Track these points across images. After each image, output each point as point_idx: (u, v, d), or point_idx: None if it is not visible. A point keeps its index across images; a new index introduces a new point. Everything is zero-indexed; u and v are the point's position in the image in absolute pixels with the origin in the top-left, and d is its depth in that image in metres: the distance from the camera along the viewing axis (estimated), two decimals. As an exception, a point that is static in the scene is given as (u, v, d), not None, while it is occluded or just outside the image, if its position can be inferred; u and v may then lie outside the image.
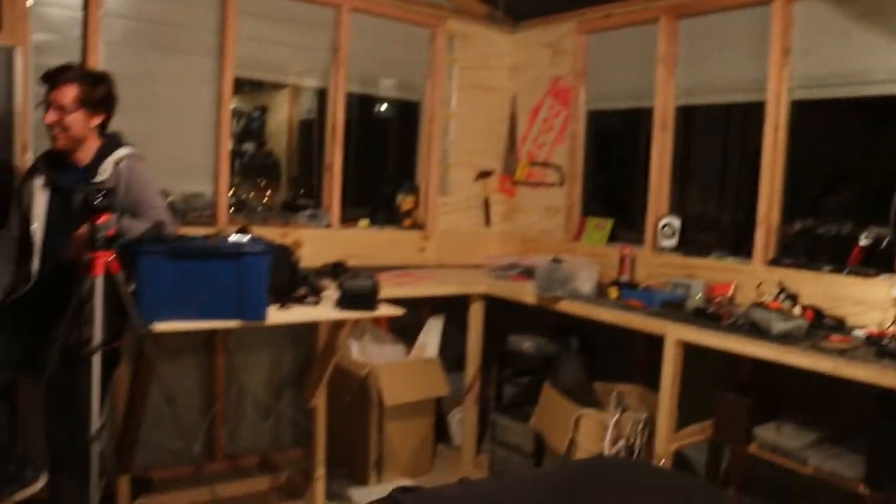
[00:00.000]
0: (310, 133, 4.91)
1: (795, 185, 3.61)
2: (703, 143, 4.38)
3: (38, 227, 2.75)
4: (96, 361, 2.35)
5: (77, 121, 2.70)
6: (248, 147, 5.31)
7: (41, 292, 2.74)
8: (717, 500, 1.19)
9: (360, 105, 4.95)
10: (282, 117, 5.52)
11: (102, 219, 2.37)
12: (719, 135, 4.34)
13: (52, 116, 2.69)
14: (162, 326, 2.56)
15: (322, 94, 4.35)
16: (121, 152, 2.79)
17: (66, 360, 2.60)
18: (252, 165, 5.17)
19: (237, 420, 4.12)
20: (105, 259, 2.36)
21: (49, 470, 2.90)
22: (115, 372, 2.89)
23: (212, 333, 3.87)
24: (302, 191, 4.91)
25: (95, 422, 2.34)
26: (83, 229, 2.49)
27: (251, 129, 5.41)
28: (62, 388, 2.64)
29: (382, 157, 5.13)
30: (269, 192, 4.66)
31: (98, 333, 2.32)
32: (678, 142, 3.98)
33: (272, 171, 5.35)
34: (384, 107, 5.18)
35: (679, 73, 3.89)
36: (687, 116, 4.02)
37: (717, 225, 4.17)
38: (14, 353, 2.73)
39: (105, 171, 2.72)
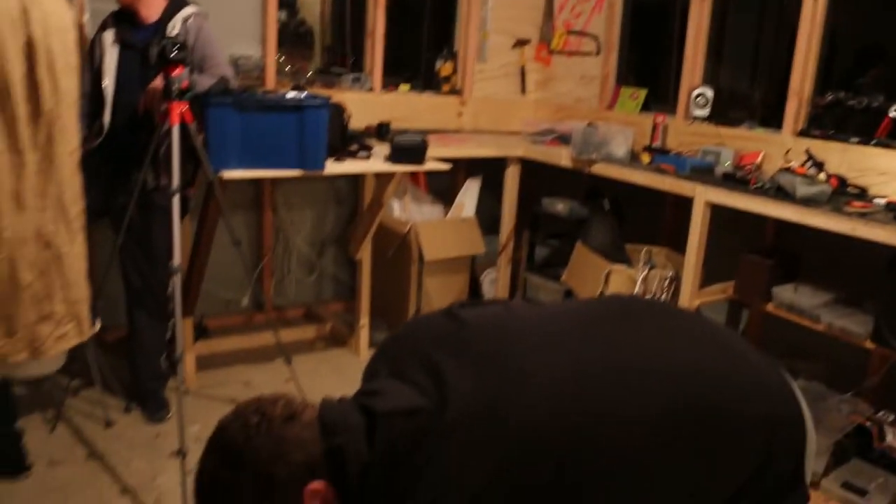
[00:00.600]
0: (343, 2, 4.96)
1: (830, 58, 3.69)
2: (741, 16, 4.42)
3: (109, 82, 2.91)
4: (175, 205, 2.56)
5: None
6: (281, 16, 5.37)
7: (114, 143, 2.93)
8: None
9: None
10: (314, -14, 5.53)
11: (176, 71, 2.53)
12: (756, 7, 4.37)
13: None
14: (230, 174, 2.77)
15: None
16: (188, 10, 2.92)
17: (143, 205, 2.83)
18: (285, 33, 5.25)
19: (283, 274, 4.39)
20: (180, 109, 2.54)
21: (127, 310, 3.19)
22: (183, 219, 3.11)
23: (260, 191, 4.09)
24: (339, 57, 5.00)
25: (176, 260, 2.57)
26: (157, 81, 2.66)
27: (284, -2, 5.44)
28: (140, 231, 2.88)
29: (419, 24, 5.18)
30: (303, 61, 4.76)
31: (176, 178, 2.52)
32: (715, 13, 4.02)
33: (305, 39, 5.41)
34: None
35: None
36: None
37: (750, 97, 4.26)
38: (91, 201, 2.96)
39: (174, 27, 2.86)
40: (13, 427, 2.63)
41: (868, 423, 3.13)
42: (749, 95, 4.47)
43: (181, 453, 2.52)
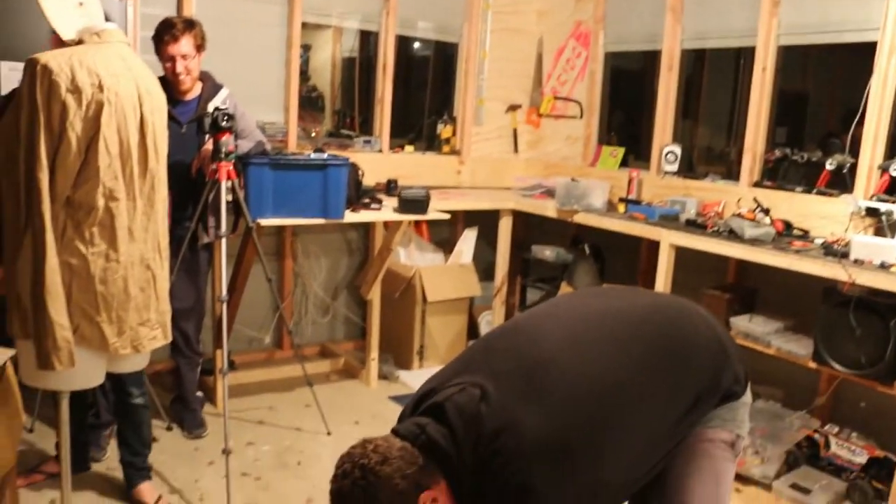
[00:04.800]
0: (351, 70, 5.53)
1: (778, 119, 4.23)
2: (712, 80, 5.00)
3: (162, 150, 3.45)
4: (222, 246, 3.09)
5: (197, 64, 3.36)
6: (294, 83, 5.90)
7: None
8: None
9: (400, 45, 5.55)
10: (325, 55, 6.08)
11: (224, 137, 3.08)
12: (719, 76, 4.94)
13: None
14: (266, 221, 3.30)
15: (363, 34, 4.97)
16: (225, 91, 3.48)
17: (192, 247, 3.35)
18: (299, 99, 5.79)
19: (301, 316, 4.89)
20: (227, 168, 3.07)
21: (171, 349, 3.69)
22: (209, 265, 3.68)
23: (282, 242, 4.60)
24: (347, 120, 5.54)
25: (224, 291, 3.09)
26: (208, 145, 3.20)
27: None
28: (189, 268, 3.41)
29: (422, 92, 5.75)
30: (316, 126, 5.31)
31: (223, 224, 3.05)
32: (682, 81, 4.58)
33: (317, 104, 5.96)
34: (417, 45, 5.77)
35: (685, 19, 4.46)
36: (695, 59, 4.61)
37: (712, 153, 4.81)
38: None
39: (217, 103, 3.40)
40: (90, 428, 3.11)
41: (816, 435, 3.59)
42: (713, 151, 5.04)
43: (226, 452, 2.98)
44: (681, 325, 1.76)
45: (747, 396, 1.81)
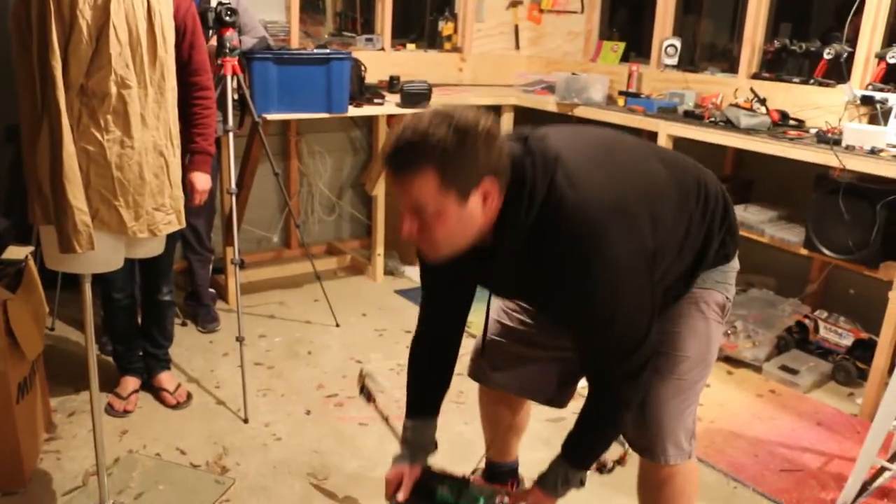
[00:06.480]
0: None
1: (783, 14, 4.23)
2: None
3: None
4: (230, 141, 3.17)
5: None
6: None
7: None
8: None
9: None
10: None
11: (228, 32, 3.12)
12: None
13: None
14: (271, 116, 3.37)
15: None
16: None
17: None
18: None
19: (307, 215, 5.00)
20: (231, 63, 3.13)
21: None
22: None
23: (287, 142, 4.66)
24: (349, 22, 5.51)
25: (234, 184, 3.19)
26: (212, 40, 3.24)
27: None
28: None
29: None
30: (317, 28, 5.29)
31: (230, 119, 3.12)
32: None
33: (318, 5, 5.91)
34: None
35: None
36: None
37: (716, 49, 4.81)
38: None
39: (218, -2, 3.43)
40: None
41: (806, 320, 3.74)
42: (717, 48, 5.03)
43: (239, 339, 3.14)
44: (685, 165, 1.87)
45: (735, 262, 1.92)
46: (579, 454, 1.79)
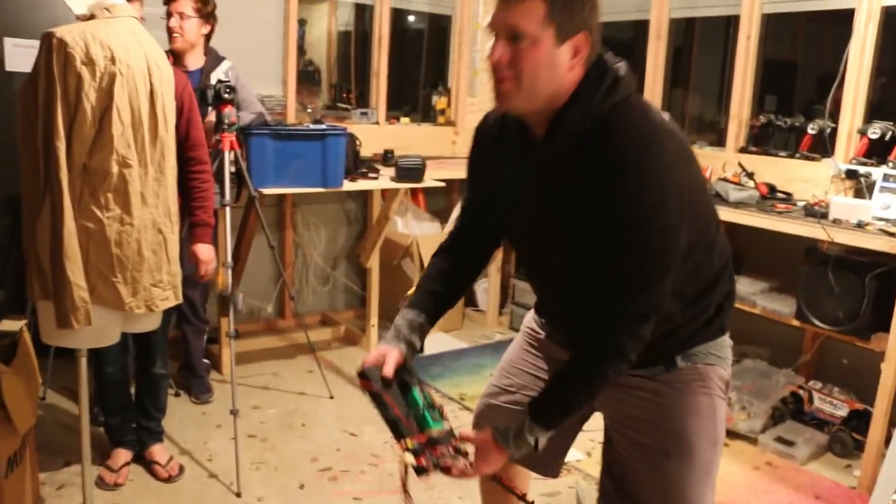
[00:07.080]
0: (347, 44, 5.61)
1: (768, 87, 4.33)
2: (697, 53, 5.09)
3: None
4: (226, 215, 3.20)
5: (196, 28, 3.41)
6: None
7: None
8: None
9: (394, 18, 5.64)
10: (321, 29, 6.15)
11: (227, 109, 3.19)
12: (710, 45, 5.03)
13: (175, 21, 3.36)
14: (268, 190, 3.42)
15: (358, 8, 5.04)
16: (227, 63, 3.58)
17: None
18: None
19: (301, 286, 5.01)
20: (230, 139, 3.19)
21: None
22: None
23: (282, 213, 4.71)
24: (344, 94, 5.64)
25: (230, 258, 3.22)
26: (211, 116, 3.31)
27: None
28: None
29: (417, 64, 5.85)
30: (313, 100, 5.40)
31: (227, 193, 3.17)
32: (672, 50, 4.67)
33: (313, 78, 6.05)
34: (411, 18, 5.86)
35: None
36: (686, 28, 4.69)
37: (703, 122, 4.92)
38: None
39: (220, 75, 3.51)
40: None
41: (800, 391, 3.74)
42: (704, 121, 5.14)
43: (233, 412, 3.12)
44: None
45: (728, 338, 1.91)
46: (545, 408, 1.67)
